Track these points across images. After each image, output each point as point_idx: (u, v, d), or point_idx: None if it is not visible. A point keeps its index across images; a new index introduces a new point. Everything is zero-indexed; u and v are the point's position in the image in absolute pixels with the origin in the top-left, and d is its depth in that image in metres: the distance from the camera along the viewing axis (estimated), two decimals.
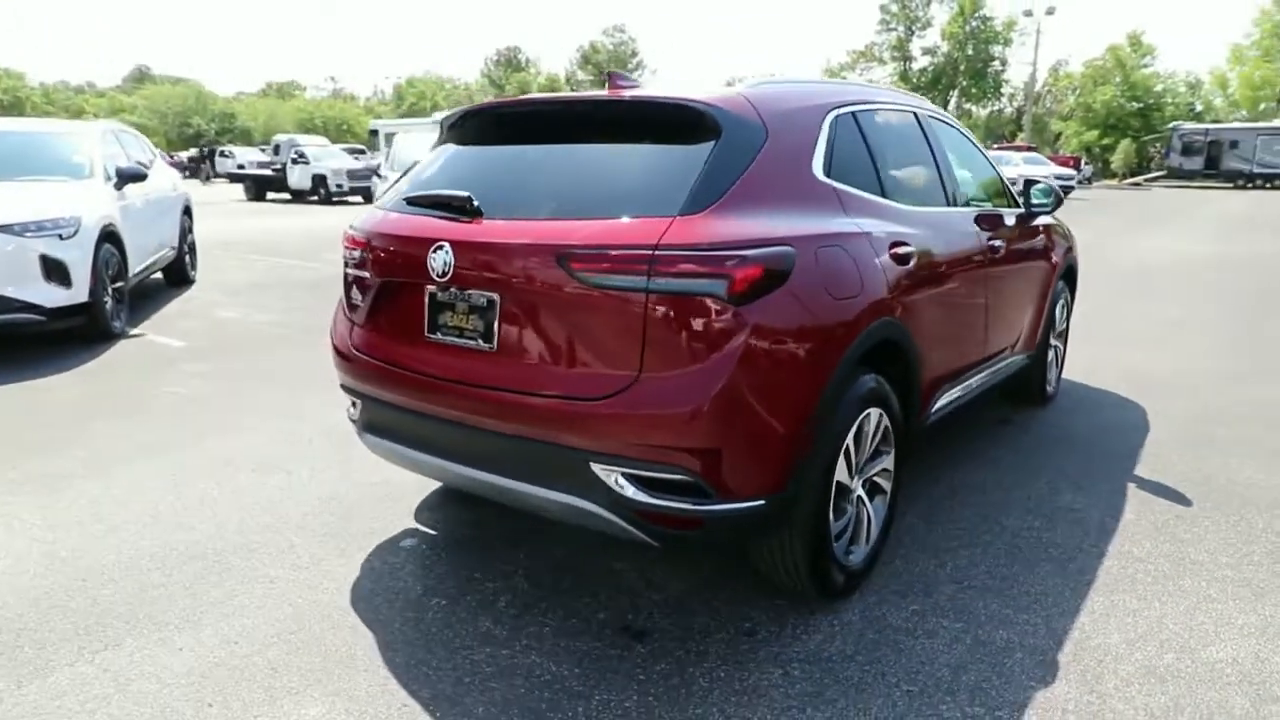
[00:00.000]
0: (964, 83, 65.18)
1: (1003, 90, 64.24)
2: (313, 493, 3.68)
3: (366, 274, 2.83)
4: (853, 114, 3.01)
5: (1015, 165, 25.17)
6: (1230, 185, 41.68)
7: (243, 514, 3.46)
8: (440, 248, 2.52)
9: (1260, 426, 4.61)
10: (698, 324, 2.20)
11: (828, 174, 2.72)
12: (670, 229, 2.23)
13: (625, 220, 2.30)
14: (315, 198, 25.32)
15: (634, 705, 2.26)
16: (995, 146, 38.40)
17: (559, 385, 2.35)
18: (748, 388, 2.22)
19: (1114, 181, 48.22)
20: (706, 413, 2.19)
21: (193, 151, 49.06)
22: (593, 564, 3.04)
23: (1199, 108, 54.12)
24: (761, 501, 2.32)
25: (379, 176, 11.47)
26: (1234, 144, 42.90)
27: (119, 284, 6.82)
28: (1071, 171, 33.01)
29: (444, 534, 3.31)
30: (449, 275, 2.50)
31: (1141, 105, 55.39)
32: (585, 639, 2.57)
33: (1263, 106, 51.10)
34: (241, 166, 31.04)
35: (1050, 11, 44.87)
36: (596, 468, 2.30)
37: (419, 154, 10.79)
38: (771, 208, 2.43)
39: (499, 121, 2.96)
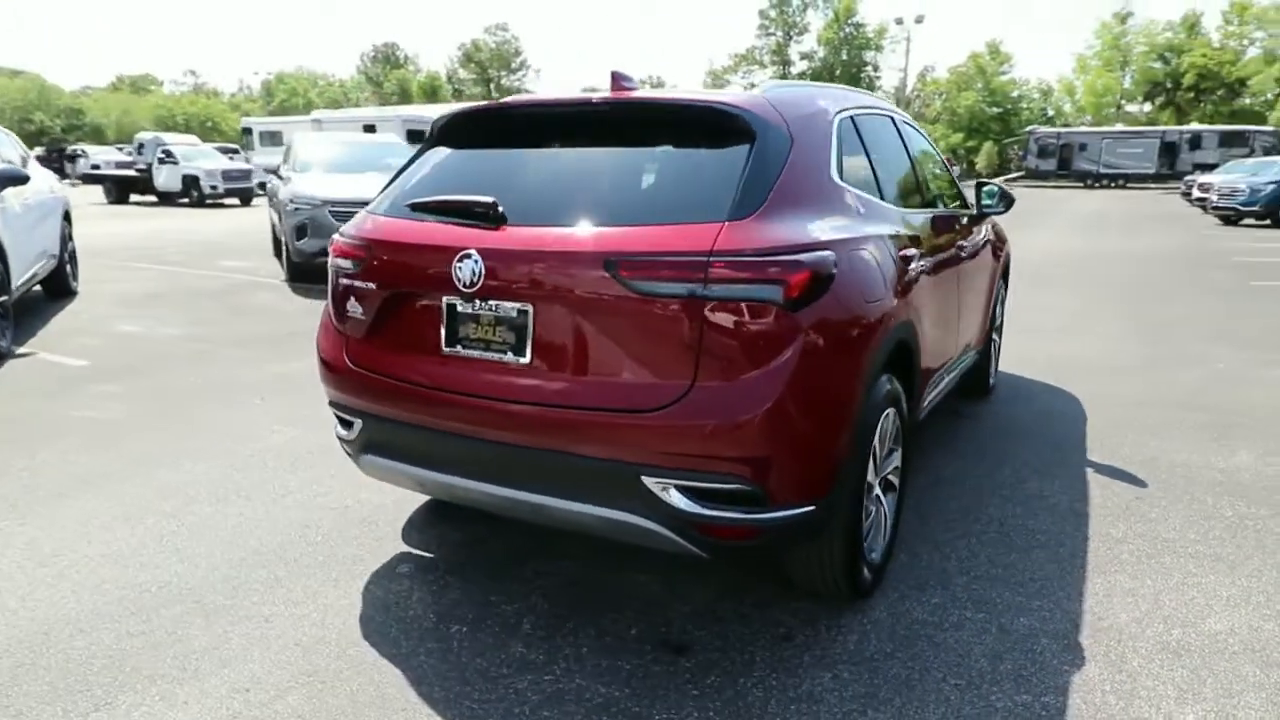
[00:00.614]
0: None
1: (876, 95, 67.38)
2: (283, 520, 3.43)
3: (368, 284, 2.65)
4: (851, 117, 3.06)
5: None
6: (1081, 185, 45.11)
7: (212, 548, 3.18)
8: (467, 256, 2.39)
9: (1182, 409, 4.99)
10: (754, 330, 2.17)
11: (840, 178, 2.75)
12: (722, 234, 2.19)
13: (673, 226, 2.25)
14: (186, 200, 23.83)
15: (715, 714, 2.21)
16: None
17: (605, 397, 2.27)
18: (802, 393, 2.21)
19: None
20: (765, 420, 2.16)
21: (38, 150, 45.15)
22: (608, 578, 2.97)
23: (1051, 113, 58.35)
24: (812, 507, 2.31)
25: (278, 177, 10.77)
26: (1083, 147, 46.45)
27: (2, 298, 6.18)
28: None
29: (441, 556, 3.15)
30: (477, 285, 2.38)
31: (1001, 110, 59.30)
32: (626, 656, 2.50)
33: (1106, 111, 55.67)
34: (97, 167, 28.82)
35: (919, 20, 47.35)
36: (648, 481, 2.23)
37: (326, 155, 10.13)
38: (805, 212, 2.43)
39: (506, 123, 2.84)
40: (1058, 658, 2.49)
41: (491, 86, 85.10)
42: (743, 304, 2.16)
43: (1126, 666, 2.45)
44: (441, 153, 2.87)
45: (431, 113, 30.42)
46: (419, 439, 2.60)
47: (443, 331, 2.51)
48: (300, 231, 9.17)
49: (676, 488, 2.22)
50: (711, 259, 2.15)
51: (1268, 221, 19.25)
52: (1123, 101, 56.73)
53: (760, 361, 2.17)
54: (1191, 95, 53.78)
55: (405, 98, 76.18)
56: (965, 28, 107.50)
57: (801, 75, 69.00)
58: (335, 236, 2.87)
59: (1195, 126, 45.76)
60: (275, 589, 2.90)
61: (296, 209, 9.18)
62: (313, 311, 7.76)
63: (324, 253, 9.51)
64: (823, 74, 67.18)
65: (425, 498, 3.57)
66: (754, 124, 2.42)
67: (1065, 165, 47.07)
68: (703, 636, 2.61)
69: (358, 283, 2.69)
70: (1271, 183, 19.33)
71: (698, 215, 2.26)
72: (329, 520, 3.43)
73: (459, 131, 2.87)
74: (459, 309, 2.47)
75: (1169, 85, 54.90)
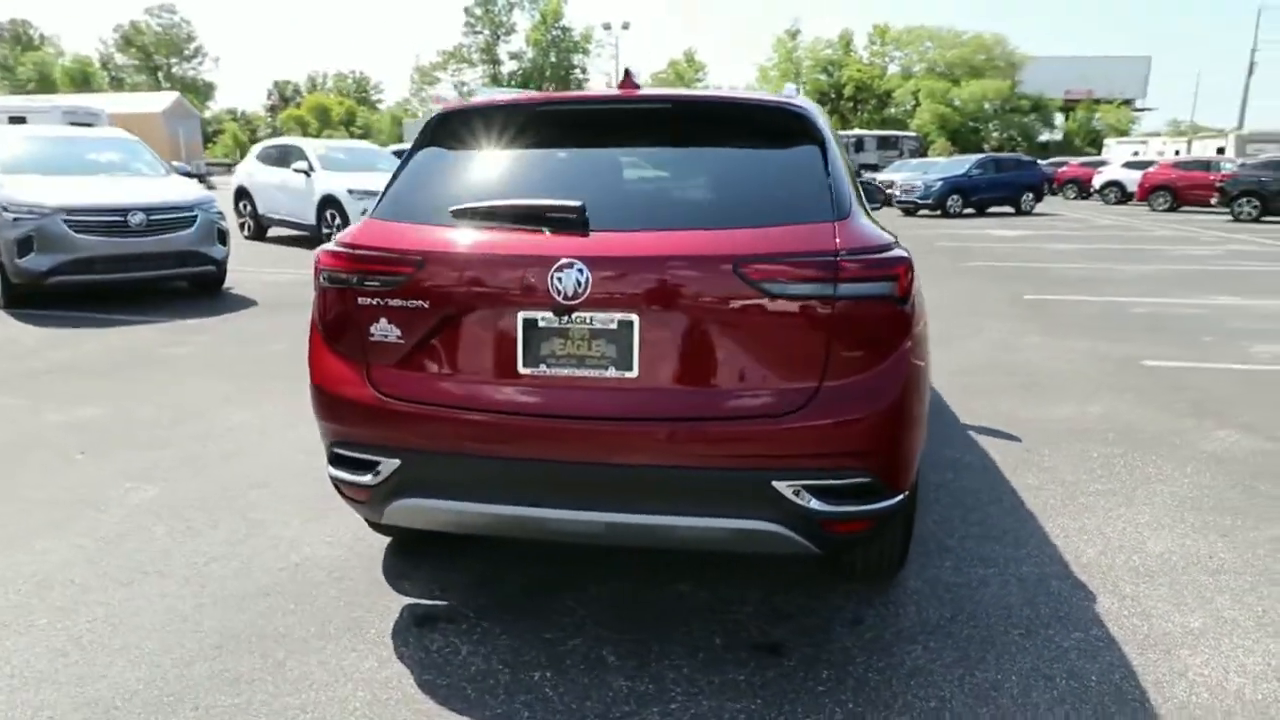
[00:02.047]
0: (551, 88, 69.38)
1: None
2: (228, 592, 2.87)
3: (414, 302, 2.31)
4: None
5: None
6: None
7: (163, 639, 2.58)
8: (568, 266, 2.17)
9: (995, 373, 5.85)
10: (875, 326, 2.23)
11: None
12: (839, 233, 2.22)
13: (790, 226, 2.23)
14: None
15: (845, 714, 2.24)
16: None
17: (730, 406, 2.20)
18: (912, 384, 2.31)
19: None
20: (889, 413, 2.24)
21: None
22: (650, 595, 2.86)
23: None
24: (907, 492, 2.43)
25: None
26: None
27: None
28: None
29: (459, 602, 2.83)
30: (581, 297, 2.18)
31: None
32: (731, 668, 2.44)
33: None
34: None
35: (626, 26, 49.79)
36: (779, 485, 2.20)
37: (33, 153, 8.41)
38: (863, 210, 2.54)
39: (544, 121, 2.61)
40: (1073, 595, 2.85)
41: (160, 75, 75.39)
42: (865, 301, 2.21)
43: (1124, 592, 2.87)
44: (458, 153, 2.58)
45: (100, 103, 26.03)
46: (484, 471, 2.32)
47: (520, 350, 2.27)
48: (23, 247, 7.55)
49: (806, 489, 2.22)
50: (839, 258, 2.18)
51: (939, 212, 22.94)
52: None
53: (882, 356, 2.24)
54: (851, 104, 62.21)
55: (47, 85, 65.04)
56: (664, 36, 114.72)
57: (512, 75, 69.46)
58: (334, 248, 2.46)
59: (859, 131, 52.98)
60: (283, 673, 2.43)
61: (17, 219, 7.54)
62: (59, 342, 6.49)
63: (56, 271, 8.15)
64: (533, 74, 68.20)
65: (381, 542, 3.18)
66: (816, 126, 2.47)
67: None
68: (784, 634, 2.62)
69: (397, 301, 2.33)
70: (939, 180, 23.07)
71: (804, 215, 2.26)
72: (288, 584, 2.93)
73: (480, 129, 2.58)
74: (540, 324, 2.25)
75: (833, 95, 62.97)
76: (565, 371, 2.25)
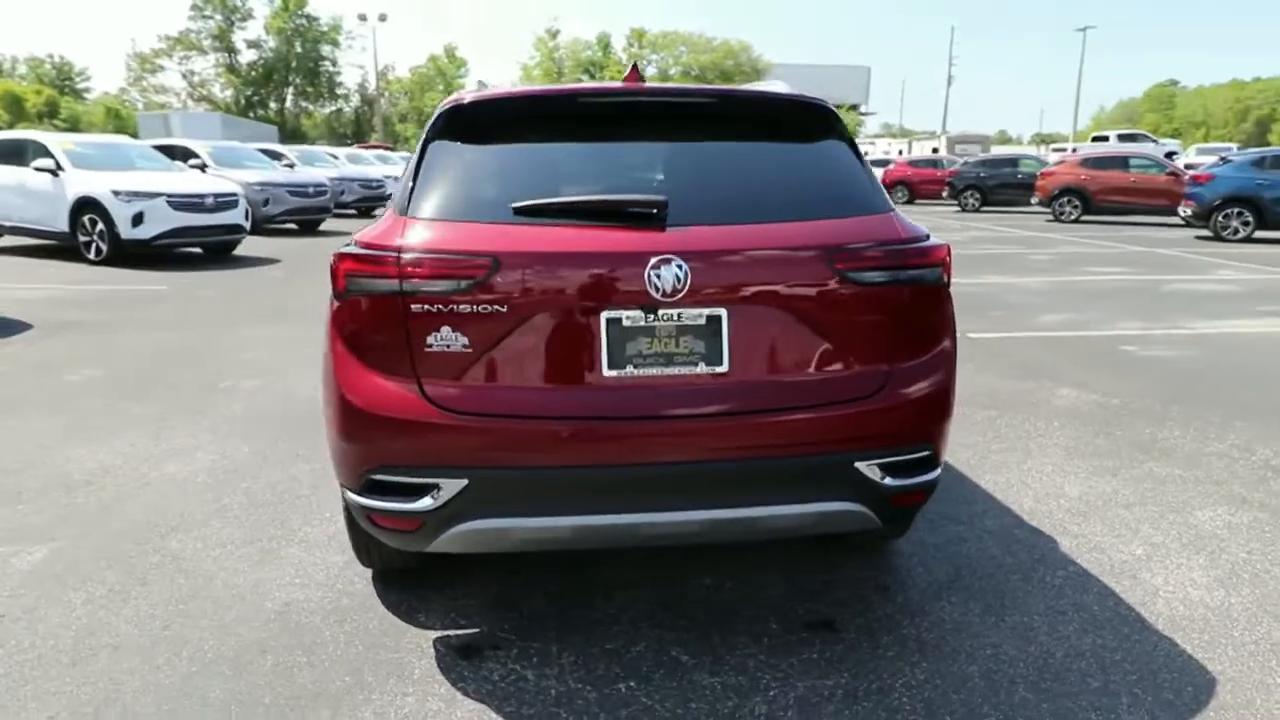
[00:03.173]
0: (298, 81, 64.70)
1: (338, 91, 65.76)
2: (229, 655, 2.48)
3: (485, 307, 2.13)
4: None
5: (373, 163, 24.97)
6: None
7: (156, 706, 2.18)
8: (666, 261, 2.11)
9: None
10: (932, 308, 2.39)
11: None
12: (899, 223, 2.35)
13: (859, 218, 2.32)
14: None
15: (924, 673, 2.38)
16: (358, 146, 39.36)
17: (817, 393, 2.26)
18: (954, 360, 2.50)
19: None
20: (946, 387, 2.41)
21: None
22: (682, 590, 2.85)
23: None
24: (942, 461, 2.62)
25: None
26: None
27: None
28: None
29: (488, 625, 2.64)
30: (680, 293, 2.12)
31: None
32: (801, 648, 2.51)
33: None
34: None
35: (383, 18, 47.51)
36: (860, 466, 2.30)
37: None
38: None
39: (581, 114, 2.47)
40: (1037, 540, 3.22)
41: None
42: (924, 286, 2.36)
43: (1072, 531, 3.29)
44: (491, 147, 2.40)
45: None
46: (567, 483, 2.20)
47: (604, 351, 2.17)
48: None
49: (880, 466, 2.33)
50: (905, 246, 2.31)
51: None
52: None
53: (937, 335, 2.40)
54: None
55: None
56: (423, 30, 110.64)
57: (252, 65, 63.88)
58: (370, 252, 2.19)
59: None
60: None
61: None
62: None
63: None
64: (278, 65, 63.16)
65: (358, 576, 2.91)
66: (842, 123, 2.58)
67: None
68: (827, 609, 2.73)
69: (464, 307, 2.13)
70: None
71: (865, 207, 2.37)
72: (283, 635, 2.58)
73: (512, 121, 2.42)
74: (625, 323, 2.17)
75: None
76: (654, 371, 2.19)
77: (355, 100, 66.22)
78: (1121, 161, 19.56)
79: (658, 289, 2.13)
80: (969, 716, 2.19)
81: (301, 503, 3.56)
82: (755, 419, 2.22)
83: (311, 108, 67.46)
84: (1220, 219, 14.73)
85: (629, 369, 2.18)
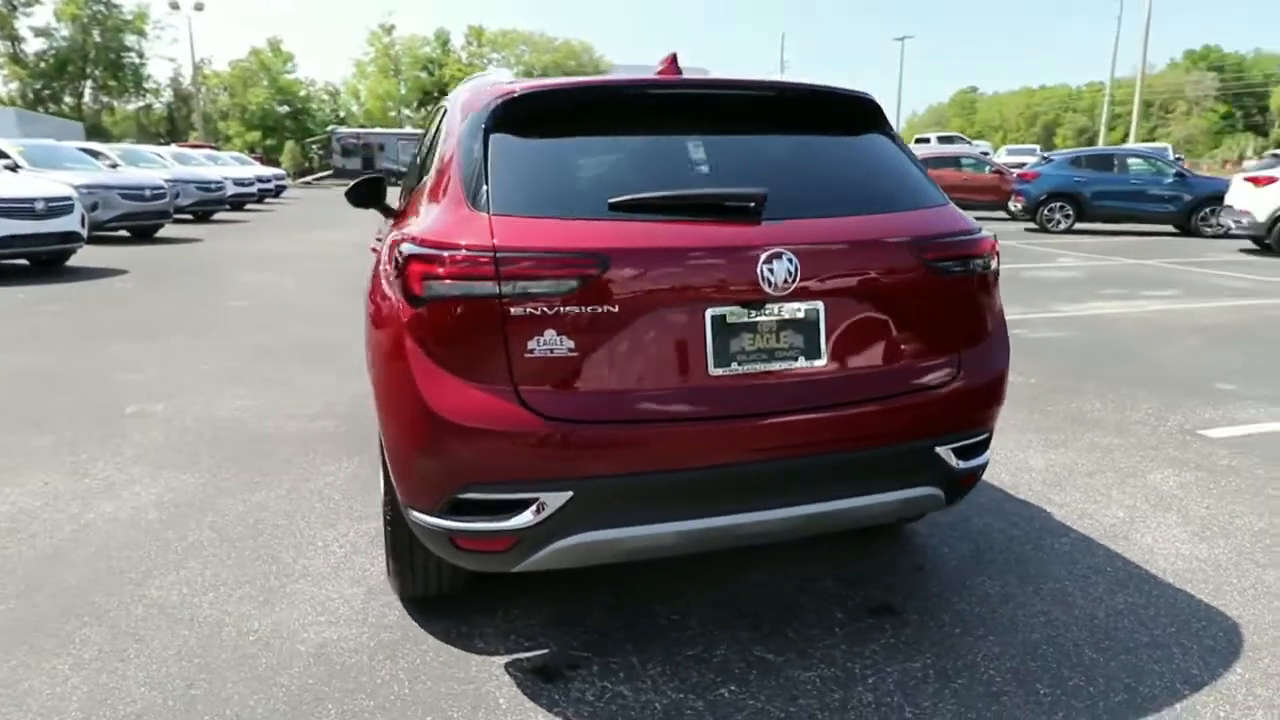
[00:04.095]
0: (97, 73, 58.69)
1: (146, 86, 60.20)
2: (283, 712, 2.22)
3: (594, 308, 2.02)
4: None
5: (204, 164, 23.19)
6: (388, 183, 48.63)
7: None
8: (776, 256, 2.08)
9: None
10: (989, 295, 2.49)
11: None
12: (961, 214, 2.44)
13: (929, 209, 2.39)
14: None
15: (994, 643, 2.49)
16: (181, 145, 36.34)
17: (905, 381, 2.30)
18: (1008, 343, 2.61)
19: (289, 182, 50.99)
20: (1004, 370, 2.52)
21: None
22: (737, 590, 2.83)
23: (343, 114, 60.93)
24: None
25: None
26: (381, 146, 50.08)
27: None
28: (283, 170, 33.90)
29: (558, 645, 2.51)
30: (790, 287, 2.10)
31: (292, 109, 59.45)
32: (876, 634, 2.55)
33: (390, 114, 60.72)
34: None
35: (199, 7, 43.96)
36: (940, 451, 2.37)
37: None
38: None
39: (644, 105, 2.38)
40: (1031, 512, 3.45)
41: None
42: (984, 274, 2.46)
43: (1056, 501, 3.54)
44: (560, 140, 2.29)
45: None
46: (674, 488, 2.13)
47: (709, 349, 2.11)
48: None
49: (954, 450, 2.41)
50: (972, 237, 2.40)
51: None
52: (403, 107, 62.57)
53: (993, 321, 2.51)
54: None
55: None
56: (241, 21, 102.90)
57: (41, 55, 57.36)
58: (454, 252, 2.02)
59: None
60: None
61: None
62: None
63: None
64: (73, 55, 57.04)
65: (386, 605, 2.71)
66: (885, 116, 2.64)
67: (369, 164, 50.01)
68: (882, 594, 2.79)
69: (569, 308, 2.00)
70: None
71: (929, 199, 2.44)
72: (333, 679, 2.35)
73: (572, 113, 2.30)
74: (729, 320, 2.12)
75: (437, 94, 62.63)
76: (757, 367, 2.16)
77: (167, 95, 60.89)
78: (954, 161, 21.24)
79: (770, 283, 2.10)
80: (1057, 682, 2.31)
81: (282, 533, 3.24)
82: (852, 410, 2.23)
83: (115, 103, 61.41)
84: (1045, 212, 16.33)
85: (733, 366, 2.14)
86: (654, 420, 2.09)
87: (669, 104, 2.42)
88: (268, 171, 29.09)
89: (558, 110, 2.34)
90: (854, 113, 2.57)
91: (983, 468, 2.54)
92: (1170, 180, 15.81)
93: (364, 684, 2.32)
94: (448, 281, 2.02)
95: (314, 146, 56.22)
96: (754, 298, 2.11)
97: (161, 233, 15.38)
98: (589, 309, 2.02)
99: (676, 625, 2.61)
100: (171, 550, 3.09)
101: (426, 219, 2.25)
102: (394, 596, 2.77)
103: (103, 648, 2.48)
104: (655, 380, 2.11)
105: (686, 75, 2.57)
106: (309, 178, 51.03)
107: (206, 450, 4.15)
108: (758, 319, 2.14)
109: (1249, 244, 13.51)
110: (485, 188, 2.14)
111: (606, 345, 2.05)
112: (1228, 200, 13.17)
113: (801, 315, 2.18)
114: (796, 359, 2.19)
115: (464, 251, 2.02)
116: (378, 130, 52.56)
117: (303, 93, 60.44)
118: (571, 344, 2.03)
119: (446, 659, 2.44)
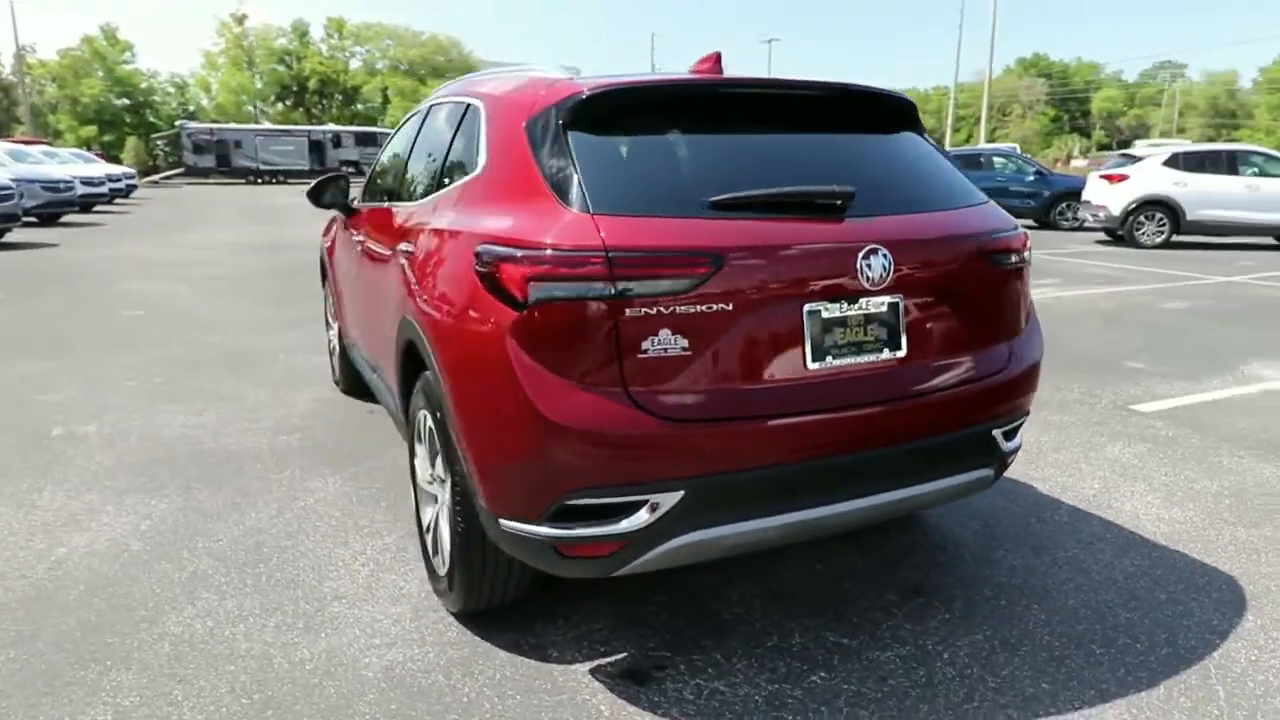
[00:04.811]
0: None
1: None
2: None
3: (707, 307, 2.01)
4: None
5: (43, 161, 20.86)
6: (244, 181, 45.88)
7: None
8: (874, 251, 2.14)
9: None
10: (1027, 285, 2.65)
11: None
12: (1002, 211, 2.58)
13: (980, 206, 2.51)
14: None
15: (1042, 613, 2.66)
16: (9, 140, 32.93)
17: (969, 370, 2.42)
18: (1040, 330, 2.78)
19: (138, 180, 47.18)
20: (1041, 356, 2.69)
21: None
22: (779, 580, 2.89)
23: (192, 108, 56.89)
24: None
25: None
26: (239, 144, 47.17)
27: None
28: (132, 170, 31.36)
29: (635, 649, 2.49)
30: (885, 282, 2.17)
31: (132, 102, 55.08)
32: (928, 613, 2.67)
33: (245, 109, 57.28)
34: None
35: None
36: (996, 434, 2.51)
37: None
38: None
39: (719, 104, 2.38)
40: (1021, 489, 3.68)
41: None
42: (1024, 267, 2.61)
43: (1036, 477, 3.80)
44: (643, 138, 2.27)
45: None
46: (775, 482, 2.16)
47: (807, 344, 2.15)
48: None
49: (1004, 433, 2.57)
50: (1018, 232, 2.55)
51: None
52: (259, 101, 59.17)
53: (1030, 310, 2.68)
54: (317, 99, 59.68)
55: None
56: (68, 8, 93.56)
57: None
58: (568, 253, 1.97)
59: (335, 128, 51.27)
60: None
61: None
62: None
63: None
64: None
65: (438, 620, 2.62)
66: (919, 118, 2.76)
67: (225, 162, 47.09)
68: (919, 575, 2.92)
69: (683, 308, 1.99)
70: None
71: (975, 197, 2.56)
72: (424, 700, 2.24)
73: (647, 111, 2.28)
74: (823, 315, 2.17)
75: (295, 88, 59.66)
76: (848, 360, 2.21)
77: None
78: None
79: (868, 278, 2.16)
80: (1107, 642, 2.50)
81: (292, 556, 3.04)
82: (930, 399, 2.33)
83: None
84: None
85: (828, 360, 2.19)
86: (760, 416, 2.11)
87: (739, 103, 2.44)
88: (118, 170, 26.87)
89: (634, 108, 2.31)
90: (898, 113, 2.67)
91: (1016, 451, 2.70)
92: (1031, 178, 17.16)
93: (451, 705, 2.22)
94: (557, 283, 1.97)
95: (160, 143, 52.21)
96: (851, 292, 2.17)
97: (8, 238, 13.92)
98: (700, 307, 2.02)
99: (742, 620, 2.64)
100: (174, 582, 2.84)
101: (509, 219, 2.17)
102: (442, 612, 2.66)
103: (143, 693, 2.26)
104: (759, 376, 2.13)
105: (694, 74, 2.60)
106: (157, 176, 47.37)
107: (166, 472, 3.83)
108: (848, 313, 2.20)
109: (1103, 235, 14.86)
110: (578, 186, 2.10)
111: (715, 343, 2.06)
112: (1085, 196, 14.44)
113: (885, 309, 2.25)
114: (880, 351, 2.26)
115: (575, 252, 1.97)
116: (233, 126, 49.44)
117: (144, 85, 56.06)
118: (685, 343, 2.02)
119: (527, 671, 2.37)
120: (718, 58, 2.62)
